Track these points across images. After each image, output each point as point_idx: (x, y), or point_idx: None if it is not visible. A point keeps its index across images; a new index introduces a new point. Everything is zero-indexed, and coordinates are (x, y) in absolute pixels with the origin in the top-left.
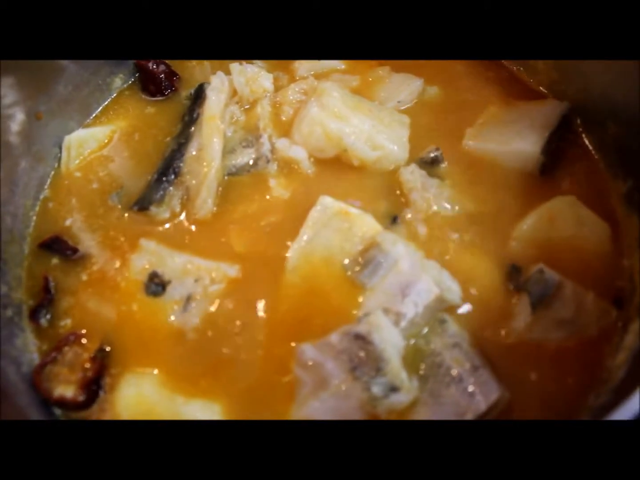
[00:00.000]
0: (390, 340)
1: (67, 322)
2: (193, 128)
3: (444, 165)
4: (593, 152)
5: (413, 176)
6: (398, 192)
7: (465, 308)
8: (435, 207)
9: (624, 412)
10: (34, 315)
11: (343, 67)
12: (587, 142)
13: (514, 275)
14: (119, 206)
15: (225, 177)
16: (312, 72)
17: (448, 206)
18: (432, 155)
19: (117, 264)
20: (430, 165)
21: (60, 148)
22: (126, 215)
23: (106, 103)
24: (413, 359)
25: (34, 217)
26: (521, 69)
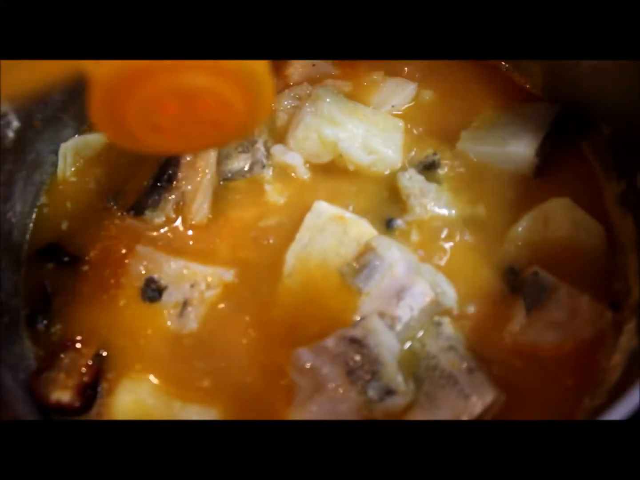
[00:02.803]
0: (385, 344)
1: (64, 328)
2: None
3: (441, 169)
4: (587, 154)
5: (411, 182)
6: (394, 196)
7: (460, 311)
8: (432, 212)
9: (619, 412)
10: (31, 321)
11: (337, 72)
12: (581, 143)
13: (509, 277)
14: (115, 212)
15: (221, 182)
16: (306, 78)
17: (445, 210)
18: (430, 159)
19: (114, 269)
20: (428, 169)
21: (56, 155)
22: (122, 220)
23: None
24: (409, 362)
25: (31, 224)
26: (515, 72)
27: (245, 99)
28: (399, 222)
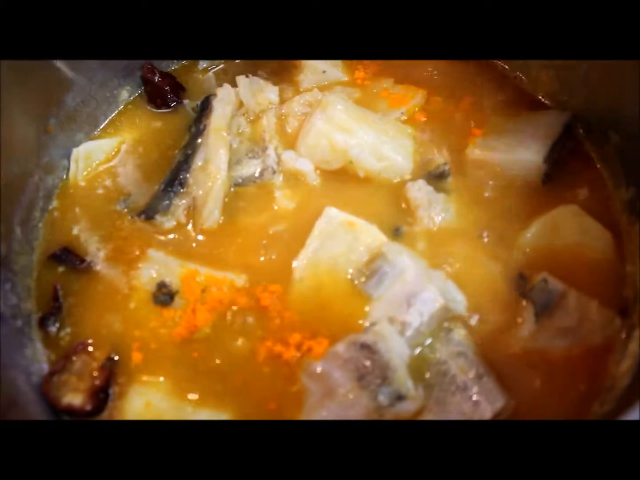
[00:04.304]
0: (395, 350)
1: (75, 331)
2: (200, 139)
3: (450, 178)
4: (596, 161)
5: (420, 193)
6: (403, 204)
7: (470, 317)
8: (440, 223)
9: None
10: (43, 323)
11: (347, 79)
12: (589, 151)
13: (519, 284)
14: (126, 216)
15: (232, 188)
16: (316, 85)
17: (453, 220)
18: (440, 169)
19: (125, 273)
20: (437, 179)
21: (68, 160)
22: (133, 225)
23: (113, 115)
24: (418, 367)
25: (42, 228)
26: (524, 79)
27: None
28: (406, 231)
